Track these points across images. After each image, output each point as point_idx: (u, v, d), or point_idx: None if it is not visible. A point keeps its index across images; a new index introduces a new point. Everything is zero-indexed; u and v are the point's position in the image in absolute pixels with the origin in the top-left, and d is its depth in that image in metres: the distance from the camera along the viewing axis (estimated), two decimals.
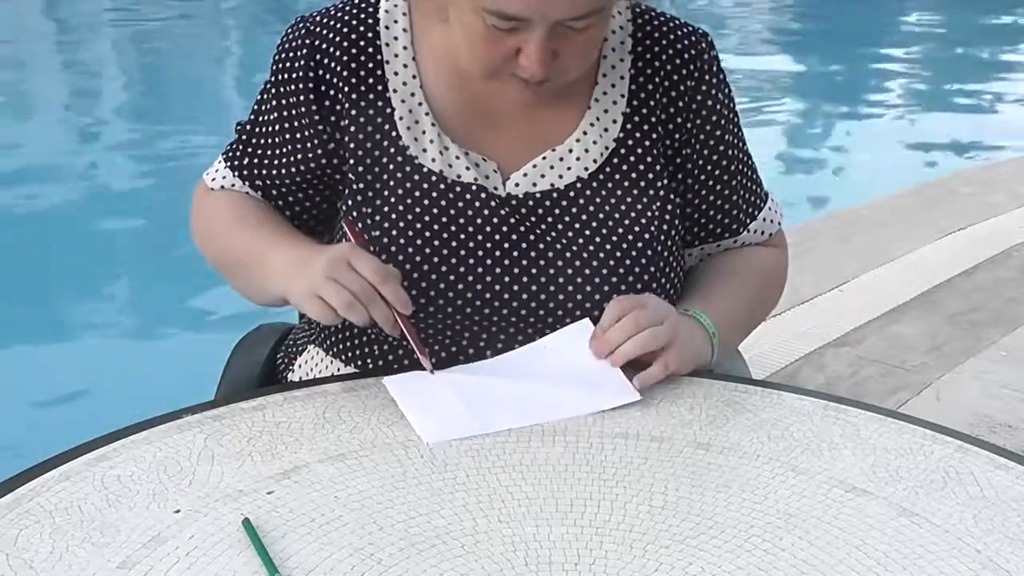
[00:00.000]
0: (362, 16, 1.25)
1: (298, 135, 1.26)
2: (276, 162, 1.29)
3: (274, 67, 1.27)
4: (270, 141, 1.29)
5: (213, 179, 1.34)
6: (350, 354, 1.28)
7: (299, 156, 1.26)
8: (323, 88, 1.23)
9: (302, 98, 1.24)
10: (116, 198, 5.30)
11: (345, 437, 1.06)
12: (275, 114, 1.27)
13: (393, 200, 1.22)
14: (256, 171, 1.31)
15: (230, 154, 1.34)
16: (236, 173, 1.33)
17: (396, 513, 0.93)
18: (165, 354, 3.56)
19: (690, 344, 1.20)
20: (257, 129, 1.31)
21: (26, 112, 6.79)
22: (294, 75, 1.24)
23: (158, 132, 6.16)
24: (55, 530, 0.90)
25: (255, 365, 1.42)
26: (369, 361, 1.26)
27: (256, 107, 1.31)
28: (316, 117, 1.24)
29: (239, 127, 1.34)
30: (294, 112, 1.25)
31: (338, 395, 1.15)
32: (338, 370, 1.29)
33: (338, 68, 1.23)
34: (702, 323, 1.23)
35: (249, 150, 1.32)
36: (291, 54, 1.25)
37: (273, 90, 1.27)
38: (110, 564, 0.86)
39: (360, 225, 1.22)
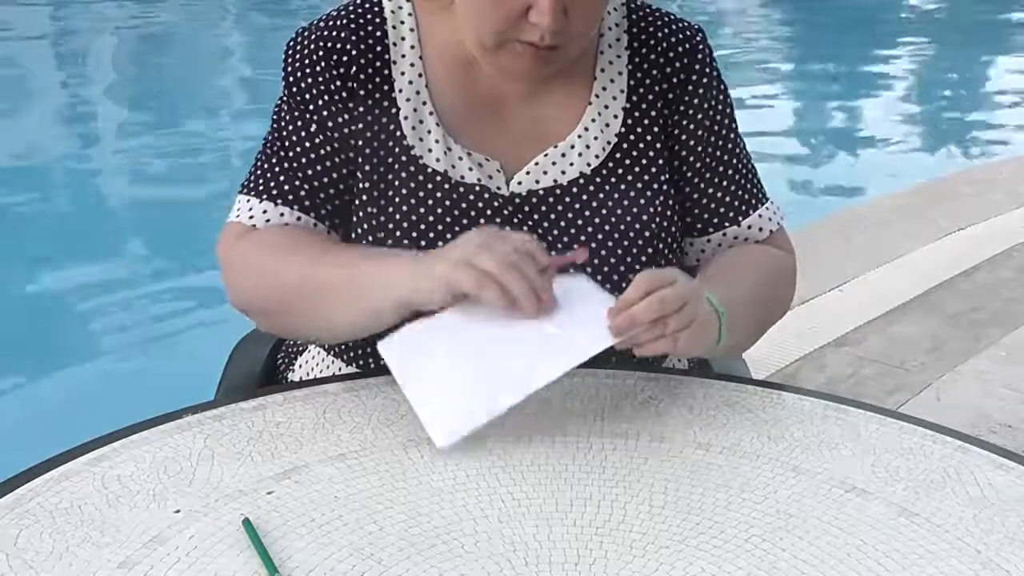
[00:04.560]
0: (369, 16, 1.25)
1: (331, 136, 1.23)
2: (319, 168, 1.24)
3: (289, 79, 1.24)
4: (310, 156, 1.24)
5: (251, 217, 1.23)
6: (351, 354, 1.28)
7: (335, 160, 1.24)
8: (340, 89, 1.23)
9: (326, 99, 1.23)
10: (116, 195, 5.31)
11: (345, 437, 1.06)
12: (301, 123, 1.24)
13: (398, 200, 1.21)
14: (303, 190, 1.24)
15: (262, 186, 1.25)
16: (280, 201, 1.23)
17: (396, 513, 0.93)
18: (165, 354, 3.56)
19: (704, 328, 1.12)
20: (287, 144, 1.25)
21: (27, 107, 6.79)
22: (315, 79, 1.23)
23: (161, 130, 6.16)
24: (55, 530, 0.90)
25: (255, 365, 1.42)
26: (370, 361, 1.26)
27: (276, 127, 1.26)
28: (340, 119, 1.23)
29: (261, 157, 1.27)
30: (324, 114, 1.23)
31: (338, 395, 1.15)
32: (339, 370, 1.29)
33: (353, 69, 1.23)
34: (712, 304, 1.14)
35: (288, 172, 1.24)
36: (306, 60, 1.23)
37: (293, 102, 1.24)
38: (110, 564, 0.86)
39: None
